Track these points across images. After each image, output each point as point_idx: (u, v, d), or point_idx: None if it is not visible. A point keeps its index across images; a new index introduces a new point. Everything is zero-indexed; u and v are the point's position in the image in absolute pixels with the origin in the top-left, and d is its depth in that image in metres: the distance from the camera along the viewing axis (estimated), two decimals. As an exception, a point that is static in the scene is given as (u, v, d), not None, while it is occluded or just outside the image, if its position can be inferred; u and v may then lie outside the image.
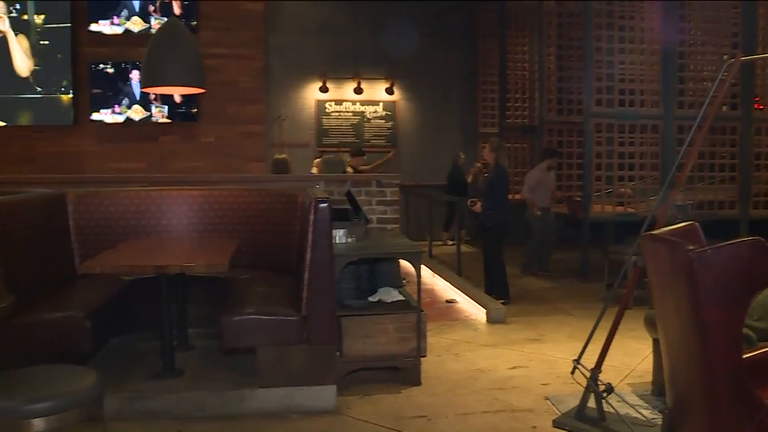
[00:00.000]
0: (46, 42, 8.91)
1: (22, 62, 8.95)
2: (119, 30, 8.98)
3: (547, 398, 4.25)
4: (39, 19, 8.89)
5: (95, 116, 9.10)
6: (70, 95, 8.98)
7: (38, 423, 2.59)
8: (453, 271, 8.07)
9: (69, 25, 8.92)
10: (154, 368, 4.27)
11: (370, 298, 4.64)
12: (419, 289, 4.53)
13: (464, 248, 9.28)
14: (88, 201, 5.03)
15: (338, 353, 4.27)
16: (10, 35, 8.88)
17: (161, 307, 4.19)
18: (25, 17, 8.90)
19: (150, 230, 5.07)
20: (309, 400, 4.03)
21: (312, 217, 3.96)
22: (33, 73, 8.97)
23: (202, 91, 5.09)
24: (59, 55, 8.93)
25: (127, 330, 4.89)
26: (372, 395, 4.30)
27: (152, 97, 8.85)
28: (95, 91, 9.06)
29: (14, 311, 3.38)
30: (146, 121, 9.14)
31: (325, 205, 3.98)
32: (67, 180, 6.47)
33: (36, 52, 8.94)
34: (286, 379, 4.03)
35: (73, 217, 4.96)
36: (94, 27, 8.99)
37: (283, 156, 8.24)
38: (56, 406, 2.62)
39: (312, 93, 11.70)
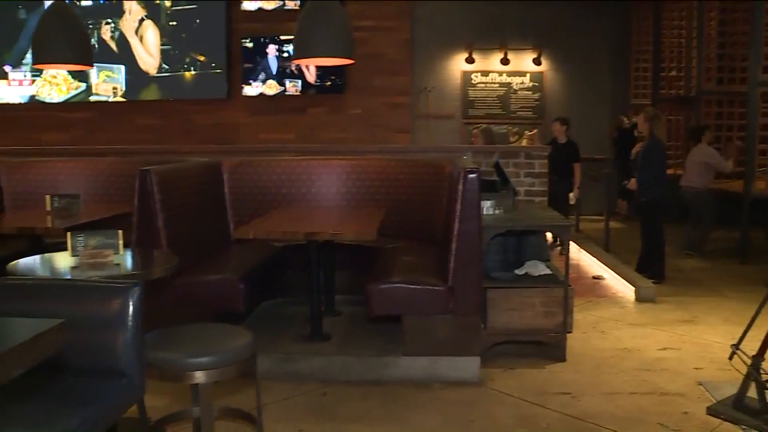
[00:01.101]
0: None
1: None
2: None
3: (700, 383, 4.03)
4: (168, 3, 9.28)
5: (246, 90, 9.44)
6: (219, 70, 9.35)
7: (199, 375, 2.72)
8: (600, 247, 7.82)
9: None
10: (303, 332, 4.41)
11: (517, 271, 4.57)
12: (567, 264, 4.41)
13: (614, 224, 8.96)
14: (242, 170, 5.24)
15: (482, 325, 4.24)
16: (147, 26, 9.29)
17: (310, 273, 4.31)
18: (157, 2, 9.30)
19: (299, 198, 5.22)
20: (452, 371, 4.02)
21: (460, 187, 3.92)
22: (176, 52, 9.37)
23: (351, 61, 5.14)
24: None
25: (277, 294, 5.07)
26: (515, 369, 4.24)
27: (293, 68, 9.08)
28: (247, 65, 9.38)
29: (177, 272, 3.56)
30: (293, 93, 9.37)
31: (474, 175, 3.94)
32: (222, 150, 6.77)
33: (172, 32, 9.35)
34: (430, 348, 4.04)
35: (228, 184, 5.19)
36: (246, 5, 9.30)
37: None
38: (215, 362, 2.74)
39: (458, 64, 11.58)
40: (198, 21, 9.25)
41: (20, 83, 9.10)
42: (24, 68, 9.11)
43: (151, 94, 9.30)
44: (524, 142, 10.66)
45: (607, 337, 4.90)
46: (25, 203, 5.41)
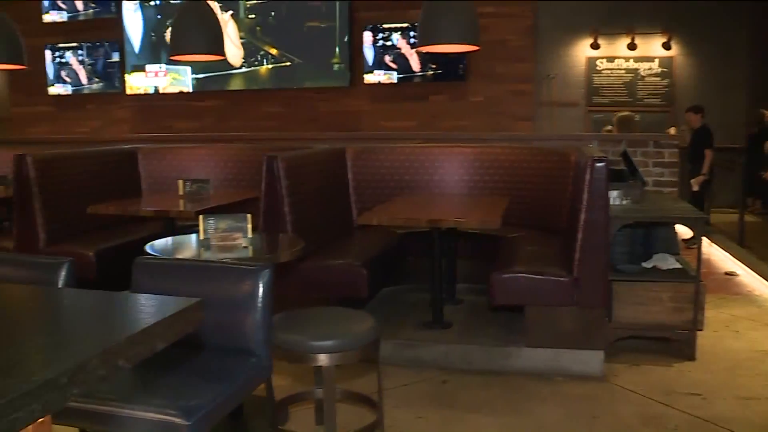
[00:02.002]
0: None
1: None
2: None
3: None
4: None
5: (368, 77, 9.51)
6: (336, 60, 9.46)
7: (323, 358, 2.77)
8: (734, 242, 7.43)
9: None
10: (423, 319, 4.42)
11: (644, 264, 4.40)
12: (699, 258, 4.21)
13: (749, 217, 8.50)
14: (365, 157, 5.30)
15: (606, 319, 4.11)
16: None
17: (433, 260, 4.31)
18: None
19: (421, 186, 5.23)
20: (575, 364, 3.93)
21: (588, 176, 3.81)
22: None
23: (477, 48, 5.09)
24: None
25: (398, 280, 5.11)
26: (641, 365, 4.09)
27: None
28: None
29: (302, 256, 3.64)
30: (413, 80, 9.37)
31: (602, 164, 3.82)
32: (345, 137, 6.86)
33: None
34: (553, 340, 3.96)
35: (352, 171, 5.26)
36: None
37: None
38: (339, 345, 2.78)
39: (582, 50, 11.27)
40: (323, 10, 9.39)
41: (156, 74, 9.54)
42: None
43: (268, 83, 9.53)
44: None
45: (742, 338, 4.65)
46: (160, 187, 5.68)
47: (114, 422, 2.05)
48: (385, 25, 9.18)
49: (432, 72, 9.11)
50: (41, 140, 8.27)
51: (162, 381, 2.15)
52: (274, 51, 9.45)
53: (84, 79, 9.52)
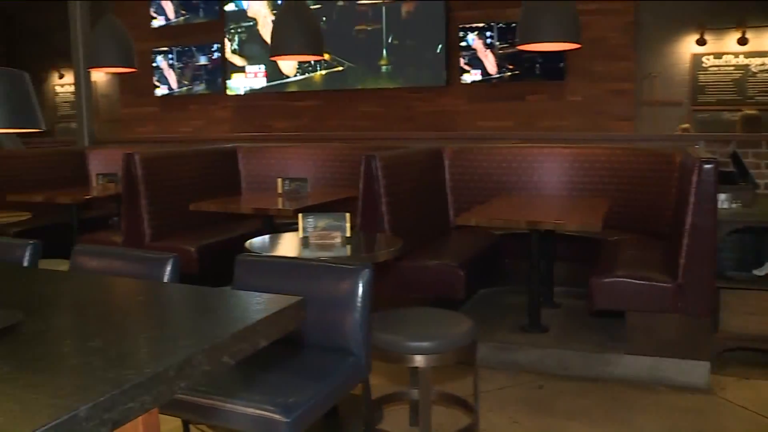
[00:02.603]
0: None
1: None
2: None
3: None
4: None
5: (465, 77, 9.44)
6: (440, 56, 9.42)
7: (419, 359, 2.76)
8: None
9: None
10: (520, 322, 4.34)
11: (756, 272, 4.19)
12: (817, 266, 3.98)
13: None
14: (463, 156, 5.26)
15: (713, 328, 3.94)
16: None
17: (530, 263, 4.23)
18: None
19: (519, 187, 5.15)
20: (679, 374, 3.78)
21: (695, 178, 3.66)
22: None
23: (578, 46, 4.97)
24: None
25: (495, 282, 5.05)
26: (751, 379, 3.89)
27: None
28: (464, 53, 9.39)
29: (399, 256, 3.64)
30: (510, 80, 9.24)
31: (710, 166, 3.65)
32: (442, 137, 6.83)
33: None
34: (655, 348, 3.82)
35: (449, 171, 5.23)
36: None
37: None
38: (436, 346, 2.76)
39: (687, 47, 10.85)
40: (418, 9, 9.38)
41: (255, 75, 9.74)
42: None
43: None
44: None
45: None
46: (259, 186, 5.80)
47: (215, 415, 2.10)
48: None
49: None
50: (148, 139, 8.60)
51: (262, 377, 2.18)
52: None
53: (188, 81, 9.83)
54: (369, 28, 9.12)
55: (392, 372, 3.75)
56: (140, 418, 1.29)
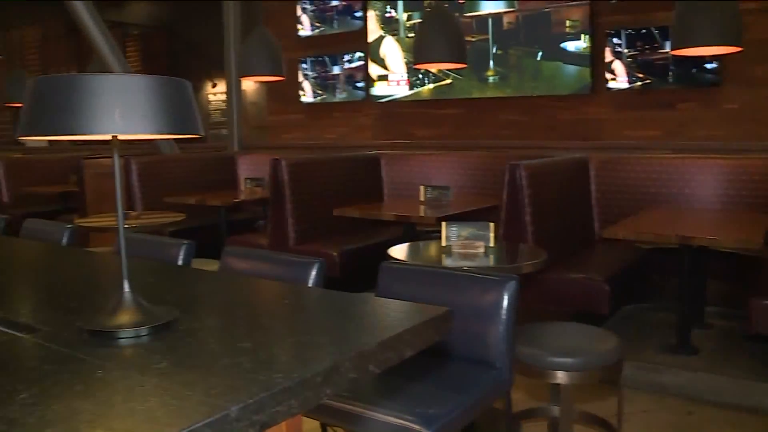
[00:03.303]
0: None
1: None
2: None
3: None
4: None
5: (611, 84, 9.13)
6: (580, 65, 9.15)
7: (562, 376, 2.67)
8: None
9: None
10: (667, 342, 4.13)
11: None
12: None
13: None
14: (610, 167, 5.08)
15: None
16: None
17: (680, 280, 4.01)
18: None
19: (670, 199, 4.90)
20: None
21: None
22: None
23: (738, 49, 4.68)
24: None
25: (640, 299, 4.83)
26: None
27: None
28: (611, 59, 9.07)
29: (543, 267, 3.55)
30: (660, 87, 8.84)
31: None
32: (587, 146, 6.63)
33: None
34: (823, 378, 3.52)
35: (595, 181, 5.06)
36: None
37: None
38: (580, 364, 2.66)
39: None
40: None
41: (398, 83, 9.84)
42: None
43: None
44: None
45: None
46: (401, 193, 5.84)
47: (355, 422, 2.10)
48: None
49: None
50: (293, 145, 8.86)
51: (403, 386, 2.17)
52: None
53: (332, 89, 10.07)
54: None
55: (532, 387, 3.66)
56: (284, 422, 1.30)
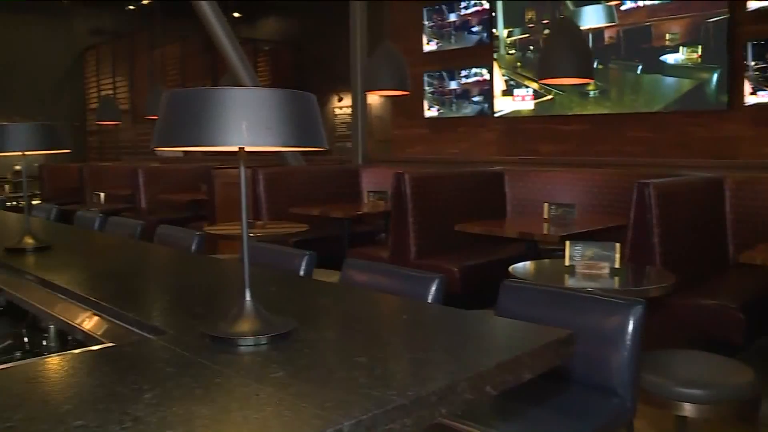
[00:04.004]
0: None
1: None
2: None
3: None
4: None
5: (751, 99, 8.64)
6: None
7: (689, 408, 2.53)
8: None
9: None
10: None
11: None
12: None
13: None
14: (747, 187, 4.79)
15: None
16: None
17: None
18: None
19: (815, 223, 4.58)
20: None
21: None
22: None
23: None
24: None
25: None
26: None
27: None
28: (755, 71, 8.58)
29: (671, 292, 3.38)
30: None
31: None
32: (721, 165, 6.30)
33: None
34: None
35: (730, 202, 4.79)
36: (752, 5, 8.48)
37: None
38: (710, 396, 2.51)
39: None
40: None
41: (523, 98, 9.72)
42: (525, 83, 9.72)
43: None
44: None
45: None
46: (524, 210, 5.74)
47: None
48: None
49: None
50: (417, 160, 8.90)
51: (520, 409, 2.11)
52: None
53: (456, 104, 10.06)
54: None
55: (656, 418, 3.48)
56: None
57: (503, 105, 9.66)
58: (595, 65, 8.99)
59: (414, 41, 10.05)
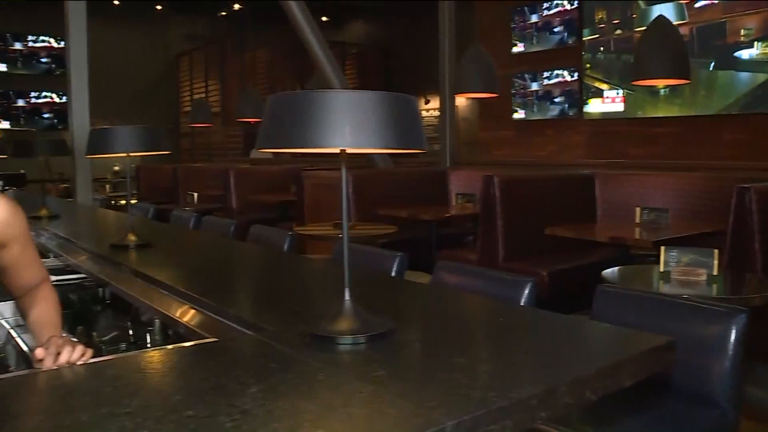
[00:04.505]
0: None
1: None
2: None
3: None
4: None
5: None
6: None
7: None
8: None
9: None
10: None
11: None
12: None
13: None
14: None
15: None
16: None
17: None
18: None
19: None
20: None
21: None
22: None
23: None
24: None
25: None
26: None
27: None
28: None
29: (771, 301, 3.25)
30: None
31: None
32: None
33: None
34: None
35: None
36: None
37: None
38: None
39: None
40: None
41: (612, 100, 9.52)
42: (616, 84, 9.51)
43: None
44: None
45: None
46: (615, 214, 5.61)
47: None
48: None
49: None
50: (504, 162, 8.83)
51: (617, 417, 2.07)
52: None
53: (544, 106, 9.93)
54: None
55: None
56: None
57: (591, 107, 9.49)
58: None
59: (500, 43, 9.98)
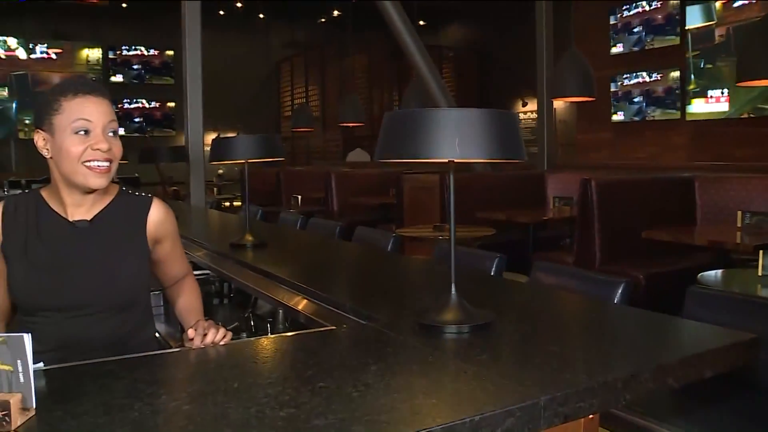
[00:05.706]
0: None
1: None
2: None
3: None
4: None
5: None
6: None
7: None
8: None
9: None
10: None
11: None
12: None
13: None
14: None
15: None
16: None
17: None
18: None
19: None
20: None
21: None
22: None
23: None
24: None
25: None
26: None
27: None
28: None
29: None
30: None
31: None
32: None
33: None
34: None
35: None
36: None
37: None
38: None
39: None
40: None
41: (717, 100, 9.32)
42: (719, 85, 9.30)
43: None
44: None
45: None
46: (716, 217, 5.58)
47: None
48: None
49: None
50: (602, 165, 8.81)
51: (698, 409, 2.18)
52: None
53: (644, 107, 9.81)
54: None
55: None
56: (582, 421, 1.45)
57: (694, 107, 9.32)
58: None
59: (598, 43, 9.93)
